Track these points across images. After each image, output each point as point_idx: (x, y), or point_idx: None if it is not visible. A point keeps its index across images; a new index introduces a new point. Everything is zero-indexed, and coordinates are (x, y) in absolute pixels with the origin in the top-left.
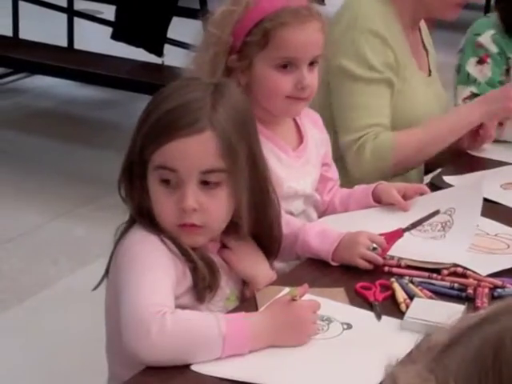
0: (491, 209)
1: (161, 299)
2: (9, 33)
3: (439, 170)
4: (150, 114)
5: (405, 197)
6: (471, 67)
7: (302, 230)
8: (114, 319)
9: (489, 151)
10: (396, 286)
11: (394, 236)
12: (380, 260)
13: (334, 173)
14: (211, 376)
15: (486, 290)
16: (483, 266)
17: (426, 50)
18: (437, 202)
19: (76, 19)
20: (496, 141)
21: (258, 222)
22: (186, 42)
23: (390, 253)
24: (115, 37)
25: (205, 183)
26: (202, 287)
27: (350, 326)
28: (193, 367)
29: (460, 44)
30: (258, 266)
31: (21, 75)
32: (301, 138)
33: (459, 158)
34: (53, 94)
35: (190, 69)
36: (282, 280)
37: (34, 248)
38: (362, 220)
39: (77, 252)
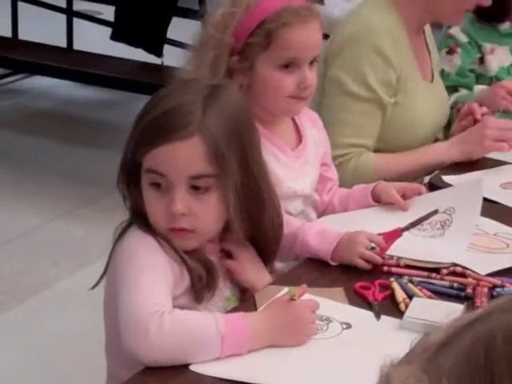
0: (490, 208)
1: (159, 299)
2: (8, 33)
3: (438, 170)
4: (143, 117)
5: (404, 196)
6: (442, 59)
7: (301, 229)
8: (112, 319)
9: None
10: (395, 285)
11: (392, 235)
12: (379, 259)
13: (333, 173)
14: (210, 376)
15: (486, 290)
16: (482, 265)
17: (429, 51)
18: (436, 201)
19: (75, 20)
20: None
21: (253, 227)
22: (185, 43)
23: (389, 252)
24: (114, 37)
25: (194, 188)
26: (199, 287)
27: (349, 326)
28: (192, 367)
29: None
30: (258, 274)
31: (20, 76)
32: (300, 137)
33: None
34: (52, 95)
35: (187, 71)
36: (281, 280)
37: (33, 249)
38: (361, 220)
39: (76, 253)
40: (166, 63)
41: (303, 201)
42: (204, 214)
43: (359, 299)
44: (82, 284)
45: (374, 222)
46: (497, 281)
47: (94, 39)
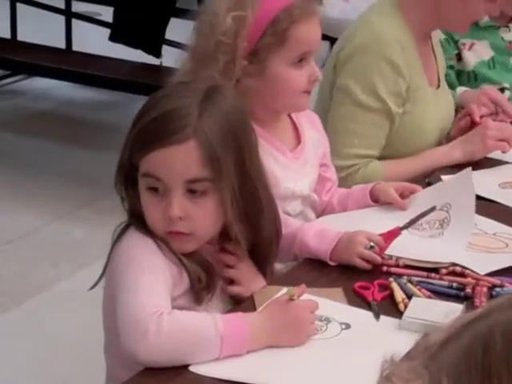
0: (489, 208)
1: (158, 300)
2: (7, 35)
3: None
4: (139, 119)
5: (402, 196)
6: None
7: (299, 230)
8: (111, 320)
9: None
10: (394, 285)
11: (391, 235)
12: (378, 259)
13: (332, 173)
14: (209, 377)
15: (485, 289)
16: (482, 265)
17: (435, 56)
18: (432, 198)
19: (74, 21)
20: None
21: (252, 229)
22: (183, 43)
23: (389, 252)
24: (113, 38)
25: (191, 191)
26: (198, 289)
27: (348, 326)
28: (191, 368)
29: None
30: (257, 287)
31: (19, 77)
32: (298, 138)
33: None
34: (51, 96)
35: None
36: (280, 280)
37: (32, 250)
38: (360, 219)
39: (76, 254)
40: (164, 64)
41: (302, 201)
42: (201, 218)
43: (358, 299)
44: (81, 285)
45: (373, 222)
46: (496, 280)
47: (93, 40)
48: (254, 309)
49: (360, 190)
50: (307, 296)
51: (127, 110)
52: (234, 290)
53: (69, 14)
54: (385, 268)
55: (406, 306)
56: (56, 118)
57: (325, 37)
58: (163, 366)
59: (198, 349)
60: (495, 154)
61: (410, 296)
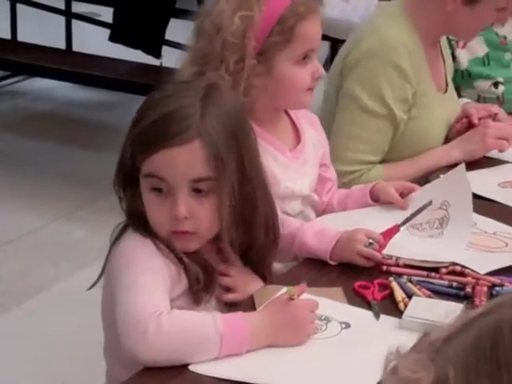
0: (489, 207)
1: (157, 300)
2: (7, 35)
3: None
4: (139, 121)
5: (402, 195)
6: None
7: (299, 230)
8: (110, 320)
9: None
10: (394, 285)
11: (390, 232)
12: (378, 255)
13: (332, 173)
14: (209, 376)
15: (485, 289)
16: (481, 264)
17: (444, 60)
18: (430, 195)
19: (74, 21)
20: None
21: (246, 231)
22: (183, 44)
23: (389, 252)
24: (113, 38)
25: (196, 191)
26: (197, 289)
27: (348, 326)
28: (191, 367)
29: None
30: (253, 290)
31: (19, 78)
32: (298, 138)
33: None
34: (51, 97)
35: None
36: (280, 280)
37: (33, 250)
38: (360, 219)
39: (76, 254)
40: (164, 64)
41: (302, 201)
42: (205, 217)
43: (358, 299)
44: (81, 285)
45: (373, 221)
46: (496, 280)
47: (93, 41)
48: (253, 308)
49: (360, 189)
50: (307, 295)
51: (127, 110)
52: (229, 297)
53: (69, 15)
54: (385, 267)
55: (405, 306)
56: (56, 118)
57: (325, 37)
58: (163, 366)
59: (197, 348)
60: (494, 154)
61: (410, 295)
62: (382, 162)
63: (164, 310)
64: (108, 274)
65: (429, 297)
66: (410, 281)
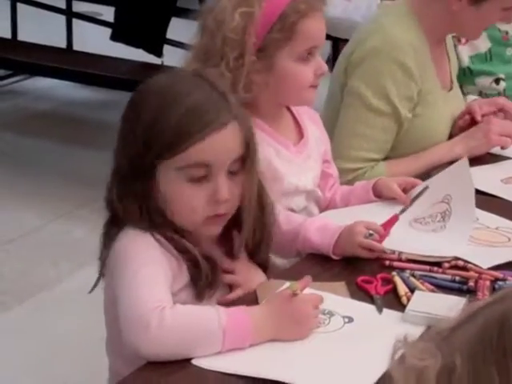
0: (492, 202)
1: (159, 294)
2: (7, 35)
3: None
4: (160, 120)
5: (405, 191)
6: None
7: (302, 226)
8: (112, 316)
9: None
10: (397, 279)
11: (390, 222)
12: (378, 245)
13: (334, 169)
14: (212, 370)
15: (487, 283)
16: (484, 258)
17: (449, 58)
18: (433, 189)
19: (74, 20)
20: None
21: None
22: (185, 43)
23: (391, 247)
24: (114, 37)
25: (230, 173)
26: (202, 285)
27: (351, 320)
28: (194, 361)
29: None
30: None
31: (20, 77)
32: (301, 133)
33: None
34: (52, 96)
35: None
36: (283, 275)
37: (33, 249)
38: (363, 214)
39: (76, 253)
40: (166, 63)
41: (306, 197)
42: (236, 197)
43: (361, 293)
44: (82, 284)
45: (375, 217)
46: (498, 274)
47: (94, 40)
48: (256, 302)
49: (362, 186)
50: (310, 290)
51: None
52: (232, 295)
53: (70, 14)
54: (387, 262)
55: (408, 300)
56: (57, 117)
57: (327, 36)
58: (166, 360)
59: (200, 342)
60: (497, 150)
61: (412, 290)
62: (386, 159)
63: (167, 305)
64: (108, 274)
65: (432, 291)
66: (413, 275)
